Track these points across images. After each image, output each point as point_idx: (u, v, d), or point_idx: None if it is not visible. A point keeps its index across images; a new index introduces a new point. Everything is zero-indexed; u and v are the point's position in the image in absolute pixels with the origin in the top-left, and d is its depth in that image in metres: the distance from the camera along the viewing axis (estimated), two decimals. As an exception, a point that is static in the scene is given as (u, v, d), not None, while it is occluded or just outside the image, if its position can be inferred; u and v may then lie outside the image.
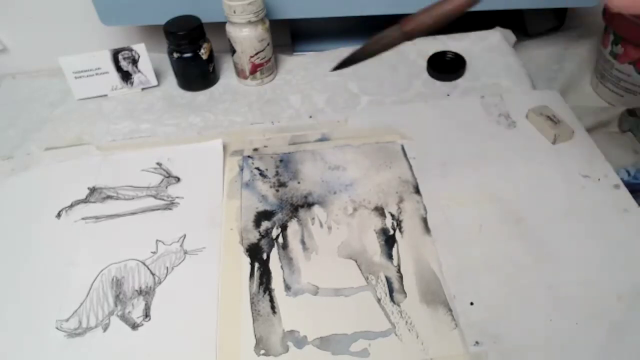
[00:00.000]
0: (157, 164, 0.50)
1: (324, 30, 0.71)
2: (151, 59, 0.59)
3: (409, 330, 0.37)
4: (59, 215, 0.46)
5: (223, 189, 0.48)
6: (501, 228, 0.43)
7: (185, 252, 0.43)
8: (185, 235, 0.44)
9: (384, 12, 0.61)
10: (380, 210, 0.45)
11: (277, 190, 0.47)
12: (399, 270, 0.40)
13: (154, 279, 0.41)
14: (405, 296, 0.39)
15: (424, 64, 0.61)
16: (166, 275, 0.41)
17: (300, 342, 0.36)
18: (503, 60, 0.62)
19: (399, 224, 0.44)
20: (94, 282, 0.41)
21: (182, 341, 0.37)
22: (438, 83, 0.59)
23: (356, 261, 0.41)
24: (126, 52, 0.58)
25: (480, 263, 0.40)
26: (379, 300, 0.39)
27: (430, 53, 0.61)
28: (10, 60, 0.71)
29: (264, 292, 0.40)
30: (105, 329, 0.38)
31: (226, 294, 0.40)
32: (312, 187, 0.47)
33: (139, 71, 0.60)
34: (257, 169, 0.50)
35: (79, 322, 0.38)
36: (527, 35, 0.69)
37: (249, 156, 0.51)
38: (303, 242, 0.43)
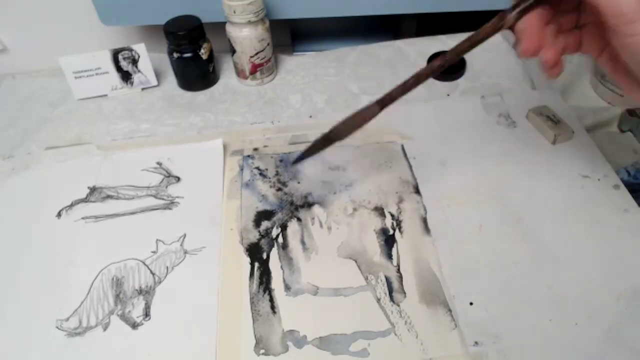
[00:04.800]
0: (157, 163, 0.50)
1: (324, 30, 0.71)
2: (151, 59, 0.59)
3: (409, 330, 0.37)
4: (59, 214, 0.46)
5: (223, 188, 0.48)
6: (501, 228, 0.43)
7: (185, 252, 0.43)
8: (185, 235, 0.44)
9: (383, 12, 0.60)
10: (380, 210, 0.45)
11: (277, 190, 0.47)
12: (398, 270, 0.40)
13: (154, 278, 0.41)
14: (405, 296, 0.39)
15: (424, 64, 0.61)
16: (166, 275, 0.41)
17: (300, 342, 0.36)
18: (503, 60, 0.62)
19: (398, 224, 0.44)
20: (94, 281, 0.41)
21: (182, 341, 0.37)
22: (438, 83, 0.59)
23: (356, 261, 0.41)
24: (126, 52, 0.58)
25: (480, 263, 0.40)
26: (378, 300, 0.39)
27: (430, 53, 0.61)
28: (10, 60, 0.71)
29: (264, 292, 0.40)
30: (105, 329, 0.38)
31: (226, 294, 0.40)
32: (312, 187, 0.47)
33: (139, 71, 0.60)
34: (257, 168, 0.50)
35: (79, 322, 0.38)
36: None
37: (249, 156, 0.51)
38: (303, 242, 0.43)
